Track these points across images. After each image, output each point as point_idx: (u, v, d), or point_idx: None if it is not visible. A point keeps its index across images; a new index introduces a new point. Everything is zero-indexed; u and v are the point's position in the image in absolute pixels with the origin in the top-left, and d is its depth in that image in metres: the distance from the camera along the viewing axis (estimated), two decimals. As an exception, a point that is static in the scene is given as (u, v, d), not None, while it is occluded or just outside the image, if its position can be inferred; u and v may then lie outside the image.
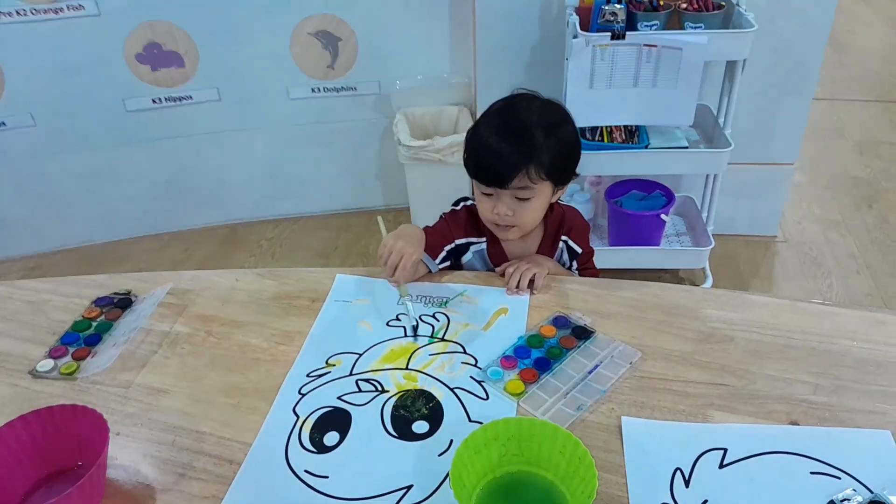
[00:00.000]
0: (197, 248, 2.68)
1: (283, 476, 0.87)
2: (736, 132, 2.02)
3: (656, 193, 2.21)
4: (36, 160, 2.46)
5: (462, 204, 1.32)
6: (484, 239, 1.28)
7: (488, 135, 1.14)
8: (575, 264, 1.33)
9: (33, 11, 2.19)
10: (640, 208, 2.17)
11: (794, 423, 0.91)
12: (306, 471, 0.88)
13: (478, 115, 1.24)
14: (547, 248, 1.30)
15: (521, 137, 1.13)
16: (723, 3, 1.85)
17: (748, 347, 1.04)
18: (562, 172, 1.17)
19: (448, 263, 1.27)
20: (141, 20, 2.28)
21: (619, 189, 2.24)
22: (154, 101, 2.43)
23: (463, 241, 1.28)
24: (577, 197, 2.27)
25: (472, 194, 1.26)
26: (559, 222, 1.29)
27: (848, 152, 3.06)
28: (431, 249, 1.21)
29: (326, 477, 0.87)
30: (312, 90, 2.50)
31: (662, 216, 2.10)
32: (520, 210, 1.17)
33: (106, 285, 1.24)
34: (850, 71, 3.80)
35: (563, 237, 1.30)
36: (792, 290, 2.28)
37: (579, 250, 1.31)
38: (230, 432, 0.94)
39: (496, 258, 1.29)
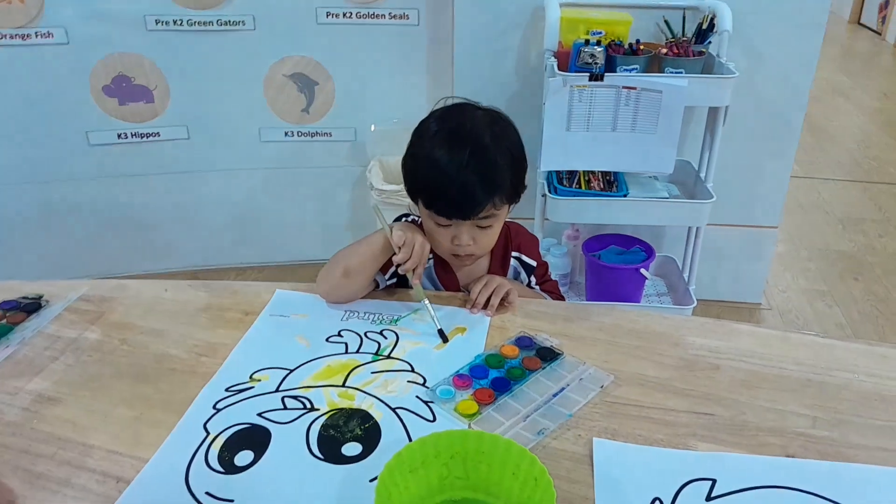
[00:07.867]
0: (153, 293, 2.52)
1: (179, 497, 0.72)
2: (718, 193, 1.94)
3: (636, 249, 2.11)
4: (-10, 190, 2.34)
5: (404, 220, 1.19)
6: (430, 258, 1.15)
7: (445, 162, 1.02)
8: (533, 279, 1.23)
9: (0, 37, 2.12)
10: (619, 262, 2.07)
11: (791, 457, 0.77)
12: (207, 493, 0.73)
13: None
14: (497, 266, 1.19)
15: (482, 165, 1.01)
16: (703, 50, 1.82)
17: (736, 377, 0.91)
18: (518, 189, 1.09)
19: (395, 281, 1.15)
20: (111, 51, 2.21)
21: (598, 244, 2.14)
22: (119, 135, 2.33)
23: None
24: (553, 251, 2.16)
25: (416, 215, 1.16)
26: (505, 238, 1.19)
27: (831, 227, 3.01)
28: (381, 267, 1.09)
29: (231, 501, 0.72)
30: (286, 133, 2.42)
31: (642, 271, 2.00)
32: (481, 237, 1.08)
33: (19, 290, 1.10)
34: (829, 155, 3.81)
35: (514, 253, 1.21)
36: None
37: (534, 263, 1.22)
38: (124, 447, 0.79)
39: (444, 280, 1.18)
